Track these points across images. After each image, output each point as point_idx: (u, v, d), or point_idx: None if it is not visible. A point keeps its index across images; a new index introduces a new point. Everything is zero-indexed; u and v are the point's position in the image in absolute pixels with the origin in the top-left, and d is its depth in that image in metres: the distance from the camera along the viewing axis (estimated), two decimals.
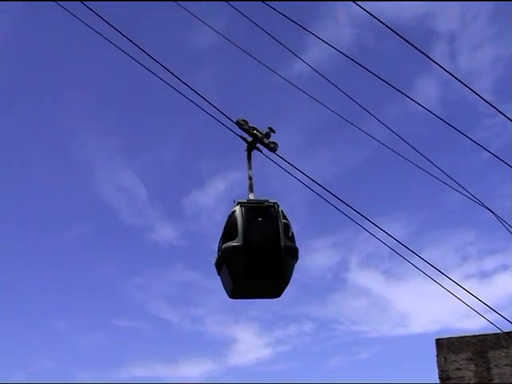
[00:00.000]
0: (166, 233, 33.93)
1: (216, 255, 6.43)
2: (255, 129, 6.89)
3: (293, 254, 6.37)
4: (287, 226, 6.40)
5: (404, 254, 7.17)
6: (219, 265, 6.40)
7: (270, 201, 6.52)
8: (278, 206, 6.46)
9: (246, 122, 6.86)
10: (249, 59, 8.48)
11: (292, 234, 6.43)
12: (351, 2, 6.45)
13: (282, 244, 6.24)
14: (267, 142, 6.87)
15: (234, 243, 6.20)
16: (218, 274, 6.51)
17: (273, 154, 6.81)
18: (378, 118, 8.89)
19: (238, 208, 6.36)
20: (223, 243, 6.30)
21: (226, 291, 6.51)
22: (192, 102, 6.57)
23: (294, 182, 6.82)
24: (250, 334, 35.83)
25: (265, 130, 6.91)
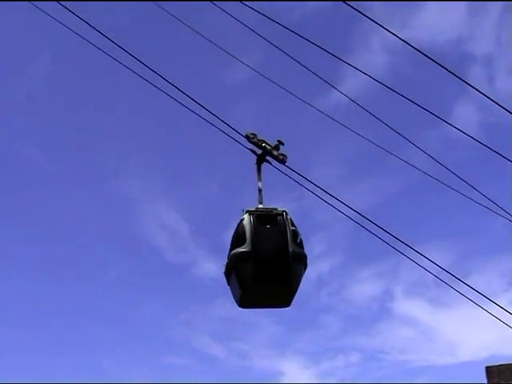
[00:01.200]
0: (208, 268, 34.18)
1: (224, 264, 6.53)
2: (264, 141, 7.04)
3: (301, 260, 6.42)
4: (295, 233, 6.47)
5: (449, 281, 7.18)
6: (228, 273, 6.50)
7: (279, 209, 6.62)
8: (286, 213, 6.55)
9: (255, 135, 7.03)
10: (285, 92, 8.68)
11: (300, 240, 6.50)
12: (383, 30, 6.51)
13: (290, 250, 6.30)
14: (276, 154, 7.01)
15: (242, 249, 6.29)
16: (228, 283, 6.61)
17: (315, 186, 6.85)
18: (417, 146, 8.94)
19: (246, 216, 6.47)
20: (231, 251, 6.41)
21: (236, 300, 6.58)
22: (221, 130, 6.76)
23: (335, 214, 6.91)
24: (296, 367, 35.37)
25: (274, 143, 7.08)
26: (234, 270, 6.38)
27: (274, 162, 6.94)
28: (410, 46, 6.59)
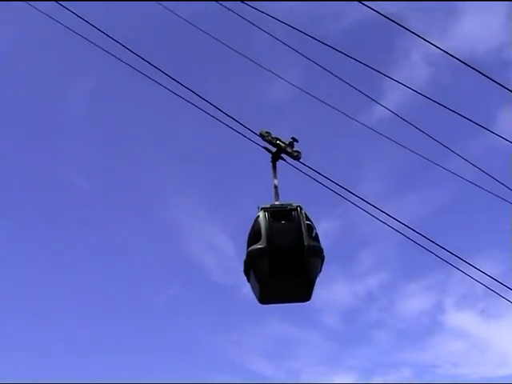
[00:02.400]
0: None
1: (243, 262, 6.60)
2: (278, 139, 7.12)
3: (317, 254, 6.43)
4: (310, 227, 6.49)
5: (500, 290, 7.24)
6: (247, 271, 6.56)
7: (293, 204, 6.65)
8: (301, 208, 6.58)
9: (269, 133, 7.11)
10: (328, 108, 8.75)
11: (316, 234, 6.51)
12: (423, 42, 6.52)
13: (306, 244, 6.33)
14: (290, 151, 7.08)
15: (258, 246, 6.35)
16: (248, 280, 6.67)
17: (361, 200, 6.90)
18: (462, 156, 8.97)
19: (261, 213, 6.54)
20: (248, 248, 6.48)
21: (256, 296, 6.63)
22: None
23: (382, 228, 6.94)
24: None
25: (288, 140, 7.15)
26: (252, 266, 6.44)
27: (315, 182, 6.98)
28: (451, 55, 6.58)
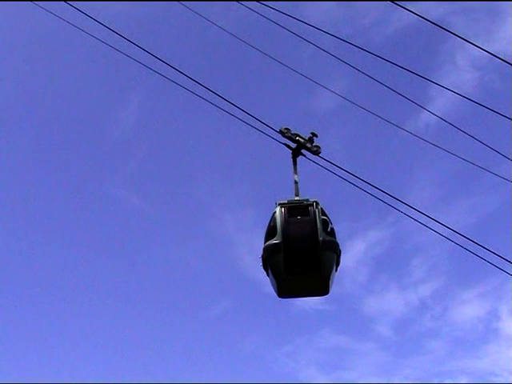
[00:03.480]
0: (309, 299, 33.85)
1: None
2: (298, 135, 7.14)
3: (332, 248, 6.44)
4: (326, 222, 6.50)
5: None
6: (265, 266, 6.59)
7: (310, 200, 6.63)
8: (317, 203, 6.57)
9: (289, 129, 7.14)
10: (374, 117, 8.71)
11: (331, 229, 6.51)
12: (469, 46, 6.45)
13: (320, 239, 6.31)
14: (310, 146, 7.07)
15: (273, 241, 6.41)
16: (267, 275, 6.68)
17: (411, 209, 6.89)
18: None
19: (278, 209, 6.59)
20: (265, 244, 6.49)
21: (275, 291, 6.66)
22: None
23: (433, 236, 6.88)
24: None
25: (307, 135, 7.13)
26: (268, 261, 6.47)
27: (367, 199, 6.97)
28: (499, 58, 6.49)
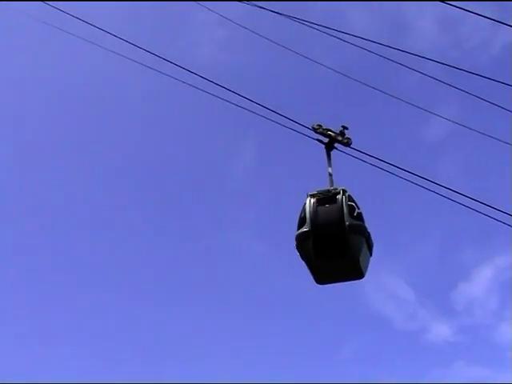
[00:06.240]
0: (440, 331, 32.59)
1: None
2: (329, 130, 7.34)
3: (359, 231, 6.58)
4: (352, 207, 6.67)
5: None
6: (300, 254, 6.78)
7: (338, 188, 6.78)
8: (344, 191, 6.73)
9: (321, 125, 7.39)
10: (489, 139, 8.72)
11: (358, 213, 6.65)
12: None
13: (347, 223, 6.44)
14: (341, 139, 7.25)
15: (302, 229, 6.65)
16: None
17: None
18: None
19: (308, 200, 6.82)
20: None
21: (313, 279, 6.80)
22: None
23: None
24: None
25: (339, 129, 7.30)
26: (300, 249, 6.67)
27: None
28: None
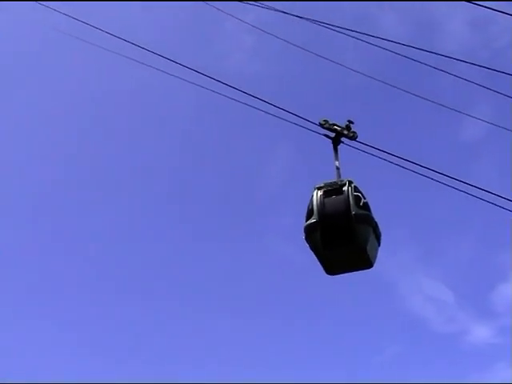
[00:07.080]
0: (480, 333, 32.16)
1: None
2: (335, 124, 7.50)
3: (366, 221, 6.69)
4: (358, 198, 6.80)
5: None
6: (310, 246, 6.93)
7: (344, 179, 6.93)
8: (350, 182, 6.87)
9: (327, 121, 7.54)
10: None
11: (364, 203, 6.77)
12: None
13: (353, 213, 6.57)
14: (347, 133, 7.39)
15: (310, 221, 6.80)
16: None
17: None
18: None
19: (315, 192, 6.97)
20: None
21: (323, 269, 6.95)
22: None
23: None
24: None
25: (344, 123, 7.45)
26: (308, 241, 6.82)
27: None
28: None
